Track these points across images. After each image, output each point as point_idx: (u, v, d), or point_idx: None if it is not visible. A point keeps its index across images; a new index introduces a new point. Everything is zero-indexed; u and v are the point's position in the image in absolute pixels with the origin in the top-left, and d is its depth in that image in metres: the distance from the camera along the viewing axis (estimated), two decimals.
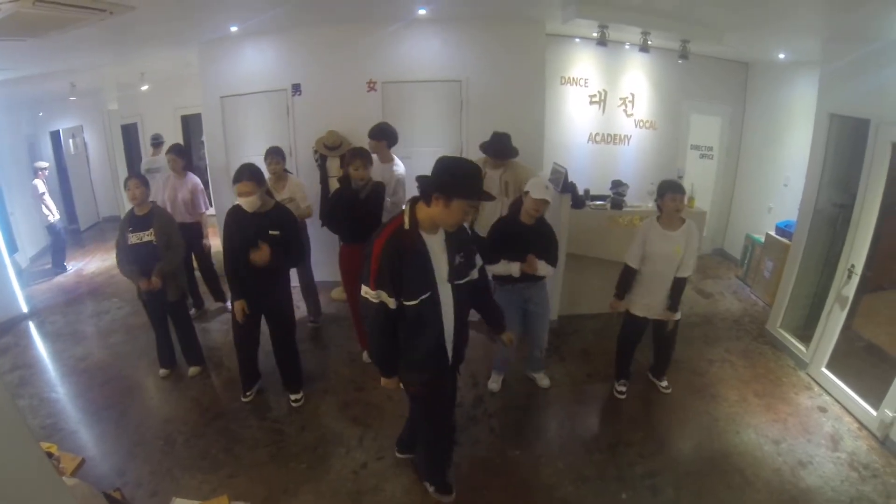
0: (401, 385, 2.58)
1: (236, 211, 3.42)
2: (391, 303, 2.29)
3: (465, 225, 2.61)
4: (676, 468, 3.23)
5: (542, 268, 3.49)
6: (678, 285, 3.54)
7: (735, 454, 3.32)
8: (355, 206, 3.88)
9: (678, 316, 3.64)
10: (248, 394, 3.89)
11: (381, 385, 2.59)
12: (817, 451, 3.33)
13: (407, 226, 2.26)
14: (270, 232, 3.36)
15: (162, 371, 4.27)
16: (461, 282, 2.43)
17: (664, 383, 4.00)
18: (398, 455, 3.24)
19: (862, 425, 3.53)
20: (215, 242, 5.52)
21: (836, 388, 3.84)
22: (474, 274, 2.56)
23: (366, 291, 2.31)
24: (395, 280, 2.25)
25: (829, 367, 3.95)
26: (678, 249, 3.44)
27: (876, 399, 3.45)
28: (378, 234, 2.30)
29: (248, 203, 3.31)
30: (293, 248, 3.52)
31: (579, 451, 3.38)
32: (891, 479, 3.06)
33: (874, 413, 3.44)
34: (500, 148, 4.28)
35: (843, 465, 3.20)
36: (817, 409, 3.76)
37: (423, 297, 2.29)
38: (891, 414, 3.27)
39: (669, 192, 3.40)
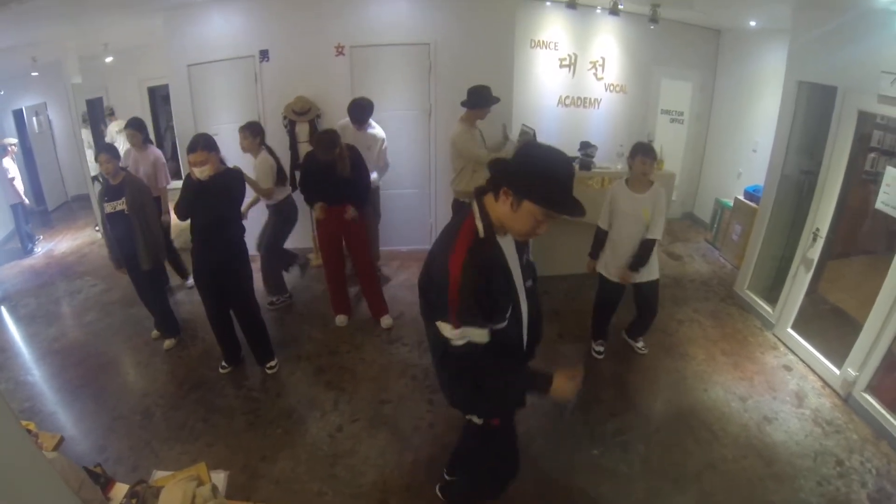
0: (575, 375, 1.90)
1: (191, 178, 3.40)
2: (483, 336, 1.75)
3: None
4: (646, 425, 3.34)
5: None
6: (645, 246, 3.54)
7: (703, 410, 3.44)
8: (328, 170, 3.85)
9: (654, 277, 3.67)
10: (225, 365, 3.91)
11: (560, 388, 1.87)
12: (782, 407, 3.46)
13: (482, 233, 1.72)
14: (219, 196, 3.38)
15: (154, 332, 4.39)
16: (529, 284, 1.98)
17: (640, 344, 4.08)
18: (447, 476, 2.81)
19: (826, 383, 3.67)
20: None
21: (801, 348, 3.97)
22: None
23: (446, 329, 1.74)
24: (482, 305, 1.71)
25: (794, 327, 4.08)
26: (645, 212, 3.47)
27: (839, 359, 3.57)
28: (449, 248, 1.72)
29: (202, 173, 3.28)
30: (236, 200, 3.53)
31: (551, 409, 3.43)
32: (853, 435, 3.19)
33: (837, 372, 3.57)
34: (482, 96, 4.29)
35: (808, 420, 3.34)
36: (783, 367, 3.89)
37: (509, 313, 1.82)
38: (853, 373, 3.39)
39: (640, 155, 3.42)
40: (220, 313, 3.73)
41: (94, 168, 6.59)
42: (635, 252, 3.56)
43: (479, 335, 1.74)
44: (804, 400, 3.53)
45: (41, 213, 8.33)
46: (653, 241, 3.55)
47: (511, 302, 1.81)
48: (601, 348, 4.04)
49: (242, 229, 3.65)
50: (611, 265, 3.70)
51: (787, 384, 3.70)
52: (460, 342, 1.73)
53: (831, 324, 3.97)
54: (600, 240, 3.71)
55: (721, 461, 3.02)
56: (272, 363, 3.90)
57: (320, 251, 4.35)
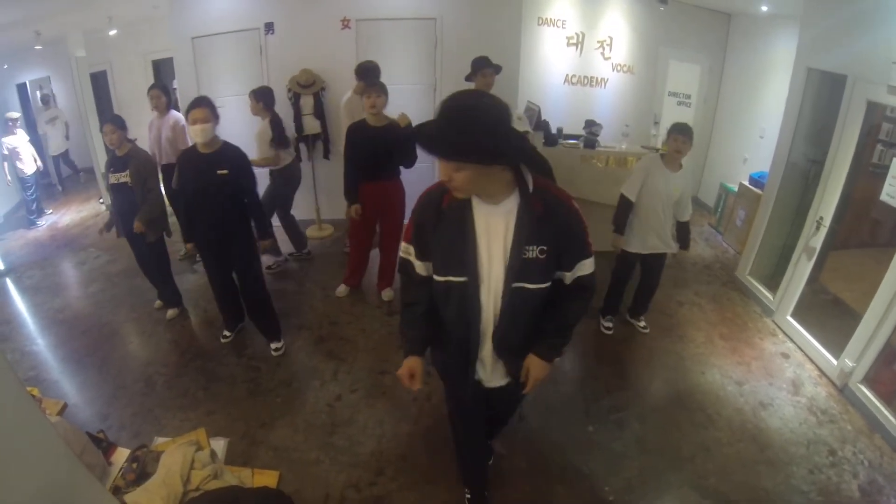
0: (416, 377, 1.93)
1: (189, 152, 3.36)
2: (418, 266, 1.85)
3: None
4: (642, 404, 3.37)
5: None
6: (684, 228, 3.73)
7: (699, 393, 3.46)
8: (376, 139, 3.81)
9: (676, 249, 3.76)
10: (227, 335, 3.93)
11: (398, 373, 1.93)
12: (778, 394, 3.47)
13: None
14: (218, 171, 3.24)
15: (157, 302, 4.42)
16: (530, 287, 1.73)
17: (642, 323, 4.13)
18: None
19: (822, 373, 3.67)
20: None
21: (800, 336, 3.97)
22: (581, 271, 1.79)
23: (401, 250, 1.91)
24: (425, 242, 1.78)
25: (794, 315, 4.08)
26: (676, 190, 3.54)
27: (837, 349, 3.56)
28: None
29: (202, 130, 3.17)
30: (245, 186, 3.39)
31: (547, 385, 3.44)
32: (847, 426, 3.20)
33: (835, 362, 3.57)
34: (481, 62, 4.29)
35: (803, 409, 3.34)
36: (780, 354, 3.89)
37: (454, 279, 1.75)
38: (850, 364, 3.38)
39: (674, 133, 3.46)
40: (223, 277, 3.66)
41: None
42: (678, 235, 3.75)
43: (418, 265, 1.86)
44: (800, 388, 3.54)
45: (46, 185, 8.35)
46: (687, 223, 3.74)
47: (459, 268, 1.72)
48: (610, 324, 4.08)
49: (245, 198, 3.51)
50: (635, 238, 3.72)
51: (784, 371, 3.71)
52: (403, 254, 1.90)
53: (831, 314, 3.97)
54: (625, 212, 3.68)
55: (715, 444, 3.04)
56: (278, 345, 3.80)
57: (350, 224, 4.30)
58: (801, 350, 3.92)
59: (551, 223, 1.66)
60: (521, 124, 3.41)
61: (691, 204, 3.71)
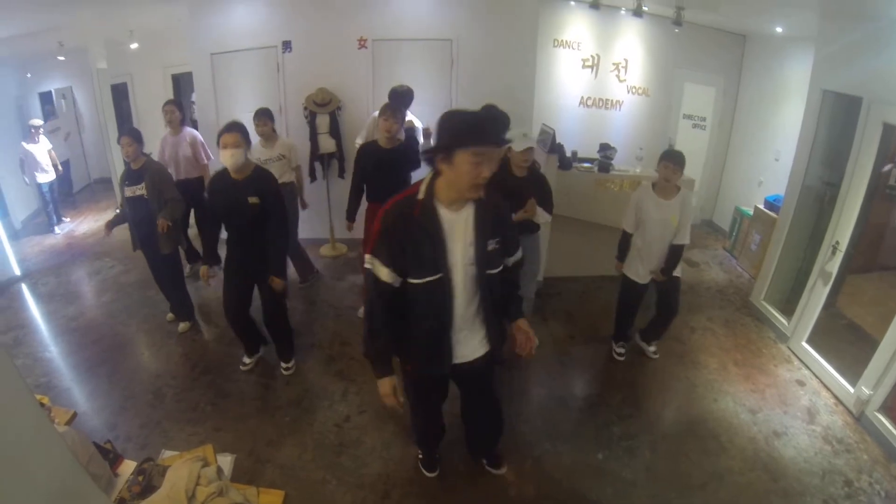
0: (395, 392, 2.19)
1: (222, 177, 3.31)
2: (384, 274, 2.03)
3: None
4: (653, 431, 3.32)
5: (540, 214, 3.55)
6: (674, 252, 3.58)
7: (712, 420, 3.40)
8: (387, 161, 3.84)
9: (677, 274, 3.68)
10: (246, 362, 3.86)
11: (380, 392, 2.18)
12: (793, 422, 3.40)
13: (421, 195, 1.98)
14: (250, 200, 3.20)
15: (169, 315, 4.43)
16: (493, 272, 2.11)
17: (652, 348, 4.07)
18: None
19: (838, 401, 3.59)
20: None
21: (816, 363, 3.90)
22: (508, 263, 2.24)
23: (366, 261, 2.09)
24: (395, 252, 2.00)
25: (809, 341, 4.01)
26: (673, 218, 3.48)
27: (854, 376, 3.49)
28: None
29: (232, 156, 3.13)
30: (274, 214, 3.31)
31: (558, 411, 3.46)
32: (863, 455, 3.12)
33: (851, 390, 3.50)
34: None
35: (818, 438, 3.27)
36: (795, 381, 3.82)
37: (430, 278, 2.02)
38: (867, 391, 3.32)
39: (664, 161, 3.42)
40: (241, 302, 3.59)
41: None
42: (666, 257, 3.60)
43: (384, 273, 2.03)
44: (816, 416, 3.47)
45: (64, 194, 8.49)
46: (681, 247, 3.59)
47: (434, 269, 2.01)
48: (622, 350, 4.04)
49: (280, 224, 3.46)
50: (639, 268, 3.69)
51: (799, 399, 3.64)
52: (367, 265, 2.07)
53: (847, 340, 3.89)
54: (625, 241, 3.71)
55: (727, 473, 2.99)
56: (288, 365, 3.80)
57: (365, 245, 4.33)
58: (817, 377, 3.85)
59: (500, 221, 2.10)
60: (525, 141, 3.42)
61: (689, 229, 3.59)
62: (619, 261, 3.80)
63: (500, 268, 2.16)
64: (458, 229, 2.00)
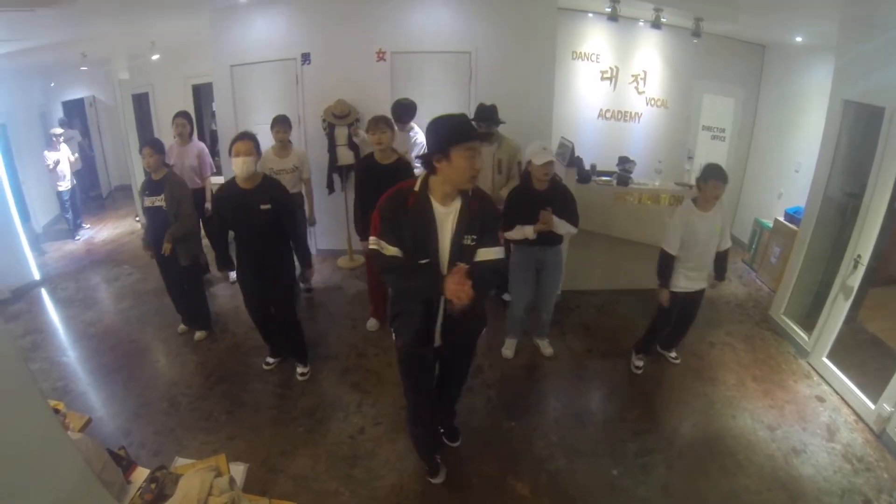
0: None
1: (229, 187, 3.37)
2: (391, 251, 2.26)
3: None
4: (670, 448, 3.26)
5: (561, 225, 3.54)
6: (722, 258, 3.70)
7: (729, 437, 3.33)
8: (383, 177, 3.82)
9: (705, 285, 3.74)
10: (269, 361, 3.96)
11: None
12: (812, 440, 3.32)
13: (417, 188, 2.25)
14: (261, 207, 3.28)
15: (181, 327, 4.44)
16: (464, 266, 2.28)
17: (673, 354, 4.10)
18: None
19: (859, 418, 3.51)
20: None
21: (836, 379, 3.81)
22: (487, 255, 2.35)
23: (371, 243, 2.31)
24: (396, 233, 2.24)
25: (830, 357, 3.92)
26: (717, 227, 3.53)
27: (875, 393, 3.42)
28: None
29: (244, 164, 3.20)
30: (286, 220, 3.42)
31: (574, 426, 3.42)
32: (883, 474, 3.05)
33: (872, 406, 3.42)
34: (485, 115, 4.26)
35: (837, 455, 3.19)
36: (815, 398, 3.74)
37: (423, 262, 2.27)
38: (889, 408, 3.24)
39: (713, 179, 3.39)
40: (261, 306, 3.70)
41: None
42: (715, 266, 3.73)
43: (390, 249, 2.26)
44: (835, 434, 3.39)
45: (89, 199, 8.66)
46: (727, 251, 3.71)
47: (425, 253, 2.26)
48: (641, 363, 4.01)
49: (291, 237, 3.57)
50: (680, 280, 3.66)
51: (818, 416, 3.56)
52: (373, 246, 2.30)
53: (869, 355, 3.81)
54: (668, 266, 3.61)
55: (744, 491, 2.92)
56: (304, 370, 3.86)
57: (366, 257, 4.34)
58: (837, 393, 3.76)
59: (480, 218, 2.28)
60: (547, 154, 3.41)
61: (729, 232, 3.68)
62: (663, 287, 3.65)
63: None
64: (448, 223, 2.26)
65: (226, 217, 3.39)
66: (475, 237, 2.29)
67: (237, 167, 3.23)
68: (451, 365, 2.80)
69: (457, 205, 2.26)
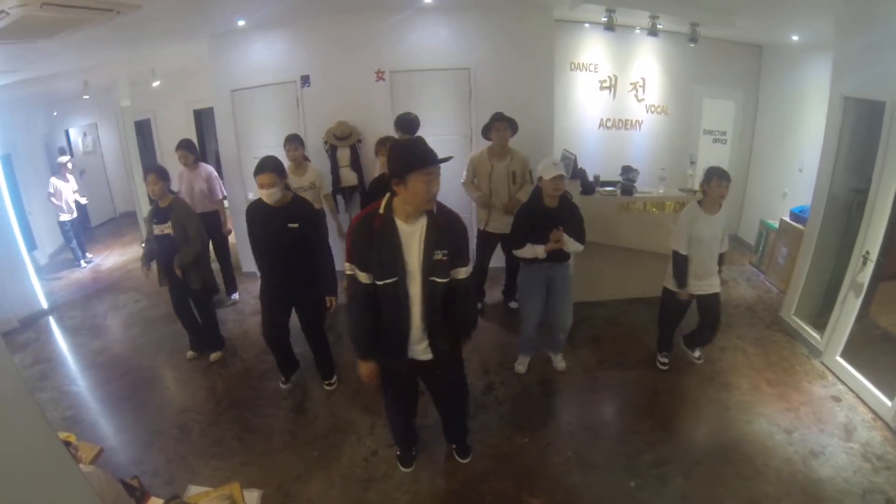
0: (373, 373, 2.64)
1: (257, 205, 3.43)
2: (363, 277, 2.41)
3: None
4: (686, 457, 3.22)
5: (570, 243, 3.55)
6: (720, 259, 3.77)
7: (746, 443, 3.29)
8: None
9: (717, 289, 3.82)
10: (285, 381, 3.98)
11: (359, 372, 2.63)
12: (830, 441, 3.28)
13: (382, 210, 2.35)
14: (289, 225, 3.35)
15: (189, 353, 4.44)
16: (439, 280, 2.42)
17: (696, 353, 4.13)
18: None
19: (877, 416, 3.47)
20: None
21: (851, 378, 3.77)
22: (458, 275, 2.49)
23: (346, 269, 2.47)
24: (364, 259, 2.38)
25: (843, 355, 3.88)
26: (722, 230, 3.62)
27: (891, 389, 3.38)
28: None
29: (270, 195, 3.29)
30: (314, 239, 3.51)
31: (588, 439, 3.39)
32: None
33: (889, 403, 3.38)
34: (495, 116, 4.34)
35: (856, 455, 3.15)
36: (831, 398, 3.69)
37: (389, 281, 2.38)
38: None
39: (716, 178, 3.49)
40: (281, 324, 3.73)
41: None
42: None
43: (361, 276, 2.42)
44: (853, 433, 3.34)
45: (85, 230, 8.70)
46: (724, 254, 3.79)
47: (392, 272, 2.37)
48: (665, 359, 4.08)
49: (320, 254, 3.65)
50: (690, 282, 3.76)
51: (835, 416, 3.51)
52: (350, 273, 2.46)
53: (883, 350, 3.77)
54: (684, 266, 3.69)
55: (764, 498, 2.88)
56: (331, 381, 3.94)
57: None
58: (853, 392, 3.72)
59: (449, 234, 2.39)
60: (558, 169, 3.42)
61: (728, 241, 3.77)
62: (681, 288, 3.74)
63: (448, 279, 2.45)
64: (414, 240, 2.36)
65: (256, 235, 3.47)
66: (446, 252, 2.38)
67: (264, 197, 3.32)
68: (430, 384, 2.92)
69: (422, 222, 2.36)
